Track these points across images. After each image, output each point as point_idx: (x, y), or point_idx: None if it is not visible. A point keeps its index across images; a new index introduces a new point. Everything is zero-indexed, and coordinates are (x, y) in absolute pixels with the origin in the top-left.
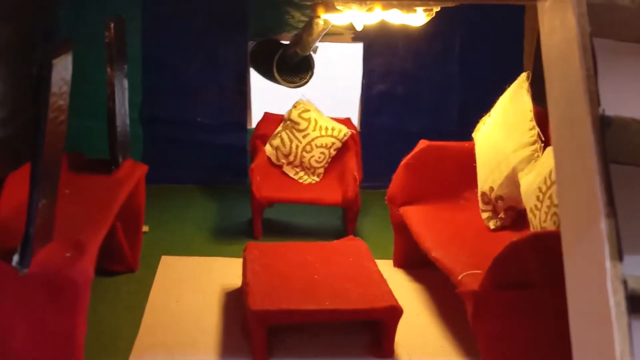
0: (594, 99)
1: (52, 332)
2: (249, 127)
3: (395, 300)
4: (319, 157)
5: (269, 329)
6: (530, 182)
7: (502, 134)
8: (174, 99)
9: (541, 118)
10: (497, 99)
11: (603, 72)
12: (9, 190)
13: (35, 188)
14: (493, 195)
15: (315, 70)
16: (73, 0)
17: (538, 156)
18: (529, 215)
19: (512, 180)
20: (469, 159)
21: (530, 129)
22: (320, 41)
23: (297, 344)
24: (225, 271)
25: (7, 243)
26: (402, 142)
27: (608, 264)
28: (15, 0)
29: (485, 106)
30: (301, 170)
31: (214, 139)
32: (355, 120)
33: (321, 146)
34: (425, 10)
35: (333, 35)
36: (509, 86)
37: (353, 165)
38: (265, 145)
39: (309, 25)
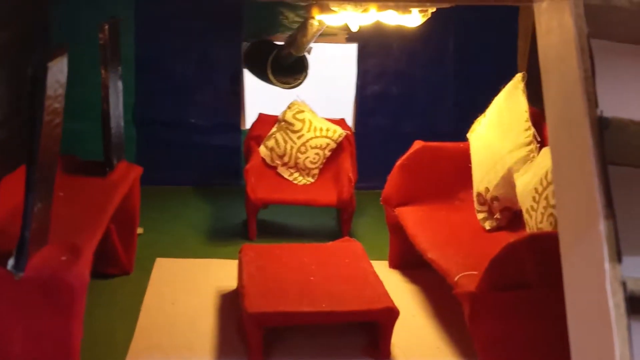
0: (592, 100)
1: (48, 336)
2: (243, 128)
3: (392, 301)
4: (314, 158)
5: (265, 331)
6: (526, 182)
7: (498, 134)
8: (168, 100)
9: (536, 118)
10: (492, 99)
11: (600, 74)
12: (3, 193)
13: (30, 191)
14: (489, 196)
15: (310, 71)
16: (66, 3)
17: (534, 157)
18: (525, 215)
19: (508, 181)
20: (464, 159)
21: (526, 130)
22: (314, 42)
23: (294, 346)
24: (221, 273)
25: (2, 247)
26: (397, 142)
27: (607, 265)
28: (10, 4)
29: (479, 106)
30: (296, 172)
31: (208, 140)
32: (350, 121)
33: (316, 147)
34: (420, 11)
35: (327, 35)
36: (504, 86)
37: (348, 166)
38: (259, 146)
39: (304, 26)
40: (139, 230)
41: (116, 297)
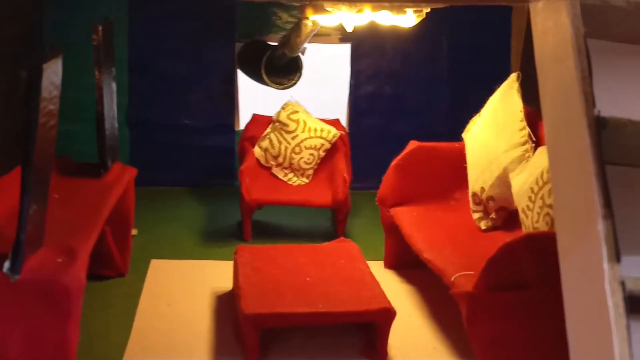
0: (589, 100)
1: (44, 339)
2: (236, 128)
3: (388, 302)
4: (308, 159)
5: (261, 332)
6: (521, 182)
7: (493, 134)
8: (161, 102)
9: (531, 118)
10: (485, 99)
11: (597, 73)
12: None
13: (26, 193)
14: (484, 196)
15: (304, 71)
16: (59, 4)
17: (529, 156)
18: (521, 215)
19: (503, 181)
20: (459, 159)
21: (521, 129)
22: (308, 42)
23: (290, 347)
24: (216, 274)
25: None
26: (391, 142)
27: (606, 265)
28: (4, 6)
29: (473, 106)
30: (290, 172)
31: (202, 141)
32: (344, 121)
33: (310, 147)
34: (415, 12)
35: (320, 36)
36: (498, 86)
37: (342, 166)
38: (253, 147)
39: (297, 26)
40: (134, 232)
41: (111, 299)
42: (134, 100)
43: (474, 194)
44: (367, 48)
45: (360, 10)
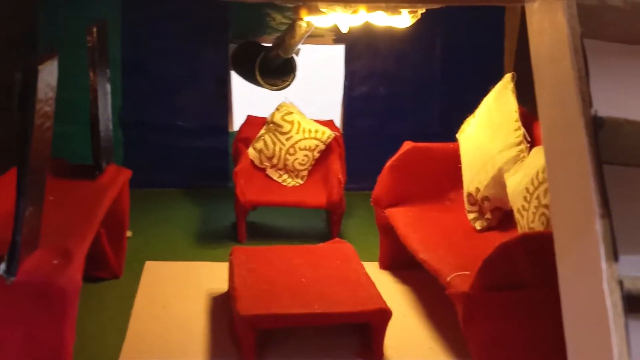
0: (586, 100)
1: (40, 341)
2: (230, 130)
3: (384, 302)
4: (303, 160)
5: (257, 333)
6: (517, 182)
7: (488, 134)
8: (155, 103)
9: (525, 118)
10: (479, 99)
11: (593, 73)
12: None
13: (22, 195)
14: (479, 196)
15: (298, 72)
16: (52, 6)
17: (524, 157)
18: (516, 215)
19: (498, 181)
20: (454, 160)
21: (516, 130)
22: (302, 43)
23: (286, 348)
24: (211, 276)
25: None
26: (385, 143)
27: (604, 264)
28: None
29: (467, 107)
30: (285, 173)
31: (196, 142)
32: (338, 122)
33: (305, 149)
34: (410, 12)
35: (314, 37)
36: (492, 87)
37: (337, 167)
38: (248, 148)
39: (292, 27)
40: (128, 234)
41: (106, 301)
42: (127, 101)
43: (469, 195)
44: (361, 49)
45: (355, 11)
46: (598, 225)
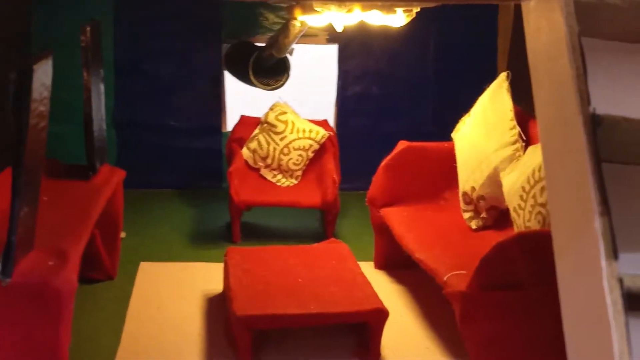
0: (584, 98)
1: (36, 343)
2: (223, 130)
3: (381, 302)
4: (297, 160)
5: (253, 334)
6: (512, 181)
7: (483, 133)
8: (148, 103)
9: (520, 117)
10: (473, 98)
11: (592, 72)
12: None
13: (17, 196)
14: (475, 195)
15: (291, 72)
16: (45, 6)
17: (519, 155)
18: (512, 214)
19: (494, 180)
20: (449, 159)
21: (511, 128)
22: (295, 43)
23: (283, 349)
24: (206, 276)
25: None
26: (379, 143)
27: (603, 262)
28: None
29: (461, 106)
30: (279, 173)
31: (189, 142)
32: (332, 122)
33: (299, 148)
34: (405, 11)
35: (307, 37)
36: (487, 86)
37: (331, 167)
38: (242, 148)
39: (285, 27)
40: (122, 235)
41: (101, 302)
42: (120, 101)
43: (465, 194)
44: (354, 48)
45: (350, 10)
46: (597, 223)
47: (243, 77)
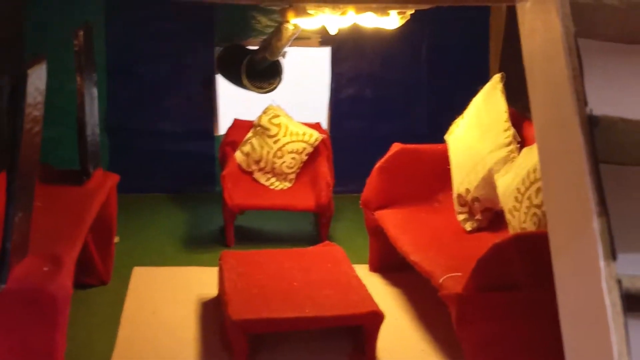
0: (581, 99)
1: (31, 349)
2: (216, 134)
3: (376, 305)
4: (291, 163)
5: (249, 338)
6: (507, 183)
7: (477, 135)
8: (140, 107)
9: (514, 119)
10: (466, 100)
11: (588, 72)
12: None
13: (11, 201)
14: (469, 197)
15: (284, 75)
16: (37, 10)
17: (514, 157)
18: (508, 216)
19: (489, 182)
20: (442, 161)
21: (506, 130)
22: (288, 46)
23: (279, 353)
24: (200, 281)
25: None
26: (372, 145)
27: (602, 263)
28: None
29: (454, 108)
30: (272, 177)
31: (182, 146)
32: (324, 125)
33: (292, 151)
34: (399, 13)
35: (300, 39)
36: (481, 87)
37: (325, 170)
38: (235, 152)
39: (278, 30)
40: (116, 239)
41: (94, 307)
42: (113, 105)
43: (459, 196)
44: (347, 51)
45: (344, 13)
46: (596, 224)
47: (236, 80)
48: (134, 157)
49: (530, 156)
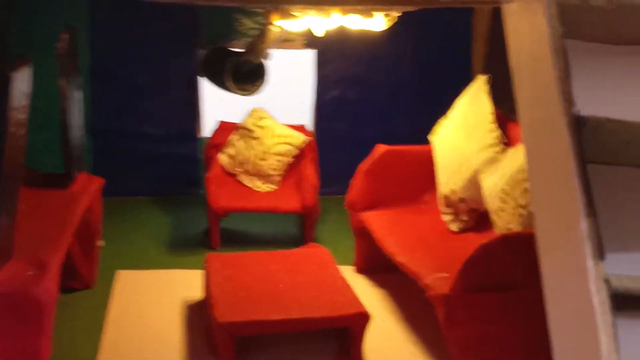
0: (568, 100)
1: (17, 353)
2: (199, 136)
3: (363, 306)
4: (276, 165)
5: (236, 340)
6: (493, 183)
7: (463, 136)
8: (124, 110)
9: (500, 120)
10: (450, 101)
11: (575, 73)
12: None
13: None
14: (455, 198)
15: (268, 77)
16: (22, 12)
17: (500, 158)
18: (493, 216)
19: (474, 183)
20: (427, 162)
21: (491, 131)
22: (273, 48)
23: (265, 355)
24: (185, 283)
25: None
26: (357, 147)
27: (590, 263)
28: None
29: (438, 109)
30: (257, 179)
31: (165, 149)
32: (309, 127)
33: (277, 154)
34: (386, 16)
35: (285, 42)
36: (463, 89)
37: (310, 172)
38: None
39: (263, 32)
40: (100, 243)
41: (79, 311)
42: (96, 108)
43: (445, 197)
44: (332, 53)
45: (328, 15)
46: (583, 225)
47: (219, 82)
48: (119, 160)
49: (515, 157)
